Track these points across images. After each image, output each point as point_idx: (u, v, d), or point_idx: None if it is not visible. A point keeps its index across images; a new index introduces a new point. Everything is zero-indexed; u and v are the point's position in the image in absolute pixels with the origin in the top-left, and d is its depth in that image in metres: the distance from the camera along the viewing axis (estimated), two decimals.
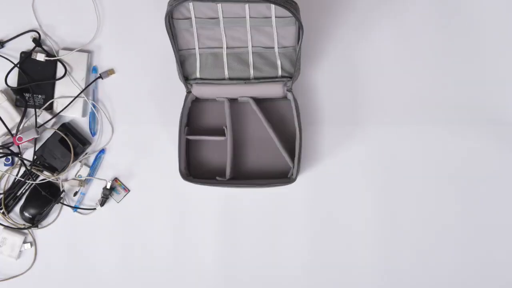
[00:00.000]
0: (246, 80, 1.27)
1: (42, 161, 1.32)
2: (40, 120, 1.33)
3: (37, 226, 1.33)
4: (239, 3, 1.17)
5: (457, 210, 1.33)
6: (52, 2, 1.36)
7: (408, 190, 1.33)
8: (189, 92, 1.29)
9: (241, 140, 1.32)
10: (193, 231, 1.33)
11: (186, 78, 1.28)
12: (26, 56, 1.33)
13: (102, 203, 1.33)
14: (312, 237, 1.33)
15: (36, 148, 1.32)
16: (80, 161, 1.34)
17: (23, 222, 1.33)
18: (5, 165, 1.34)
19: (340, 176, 1.33)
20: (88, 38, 1.36)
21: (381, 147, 1.34)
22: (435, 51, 1.35)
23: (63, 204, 1.33)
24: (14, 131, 1.32)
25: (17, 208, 1.34)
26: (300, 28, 1.14)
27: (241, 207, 1.34)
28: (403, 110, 1.34)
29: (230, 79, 1.27)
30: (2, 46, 1.35)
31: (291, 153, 1.30)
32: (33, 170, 1.31)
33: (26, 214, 1.32)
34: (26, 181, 1.32)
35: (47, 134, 1.33)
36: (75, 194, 1.34)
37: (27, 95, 1.33)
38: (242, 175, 1.31)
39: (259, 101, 1.31)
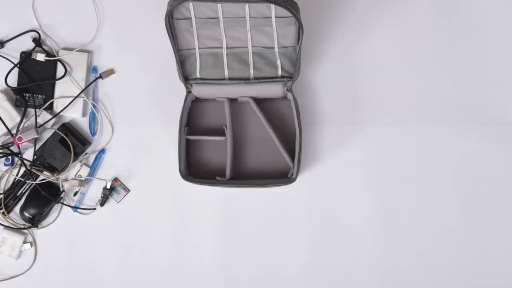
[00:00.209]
0: (246, 80, 1.27)
1: (42, 161, 1.32)
2: (40, 120, 1.33)
3: (37, 226, 1.33)
4: (239, 3, 1.17)
5: (457, 210, 1.33)
6: (52, 2, 1.36)
7: (408, 190, 1.33)
8: (189, 92, 1.29)
9: (241, 140, 1.32)
10: (193, 231, 1.33)
11: (186, 78, 1.28)
12: (26, 56, 1.33)
13: (102, 203, 1.33)
14: (312, 237, 1.33)
15: (36, 148, 1.32)
16: (80, 161, 1.34)
17: (23, 222, 1.33)
18: (5, 165, 1.34)
19: (340, 176, 1.33)
20: (88, 38, 1.36)
21: (381, 147, 1.34)
22: (435, 51, 1.35)
23: (63, 204, 1.33)
24: (14, 131, 1.32)
25: (17, 208, 1.34)
26: (300, 28, 1.14)
27: (241, 207, 1.34)
28: (403, 110, 1.34)
29: (230, 79, 1.27)
30: (2, 46, 1.35)
31: (291, 153, 1.30)
32: (33, 170, 1.31)
33: (26, 214, 1.32)
34: (26, 181, 1.32)
35: (47, 134, 1.33)
36: (75, 194, 1.34)
37: (27, 95, 1.33)
38: (242, 175, 1.31)
39: (259, 101, 1.31)
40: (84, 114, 1.35)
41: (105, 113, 1.35)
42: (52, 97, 1.34)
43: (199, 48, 1.25)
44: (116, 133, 1.35)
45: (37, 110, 1.32)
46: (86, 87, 1.34)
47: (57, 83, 1.34)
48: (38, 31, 1.35)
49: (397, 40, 1.35)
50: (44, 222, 1.34)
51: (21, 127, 1.31)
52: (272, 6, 1.17)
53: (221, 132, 1.32)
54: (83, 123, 1.35)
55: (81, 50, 1.34)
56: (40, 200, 1.31)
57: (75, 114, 1.34)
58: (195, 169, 1.32)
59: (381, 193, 1.33)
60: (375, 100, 1.34)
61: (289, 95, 1.28)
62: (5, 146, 1.32)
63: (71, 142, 1.31)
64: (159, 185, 1.34)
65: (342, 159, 1.34)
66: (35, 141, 1.31)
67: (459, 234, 1.32)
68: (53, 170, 1.32)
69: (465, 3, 1.35)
